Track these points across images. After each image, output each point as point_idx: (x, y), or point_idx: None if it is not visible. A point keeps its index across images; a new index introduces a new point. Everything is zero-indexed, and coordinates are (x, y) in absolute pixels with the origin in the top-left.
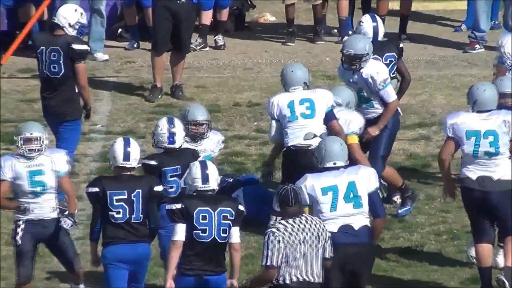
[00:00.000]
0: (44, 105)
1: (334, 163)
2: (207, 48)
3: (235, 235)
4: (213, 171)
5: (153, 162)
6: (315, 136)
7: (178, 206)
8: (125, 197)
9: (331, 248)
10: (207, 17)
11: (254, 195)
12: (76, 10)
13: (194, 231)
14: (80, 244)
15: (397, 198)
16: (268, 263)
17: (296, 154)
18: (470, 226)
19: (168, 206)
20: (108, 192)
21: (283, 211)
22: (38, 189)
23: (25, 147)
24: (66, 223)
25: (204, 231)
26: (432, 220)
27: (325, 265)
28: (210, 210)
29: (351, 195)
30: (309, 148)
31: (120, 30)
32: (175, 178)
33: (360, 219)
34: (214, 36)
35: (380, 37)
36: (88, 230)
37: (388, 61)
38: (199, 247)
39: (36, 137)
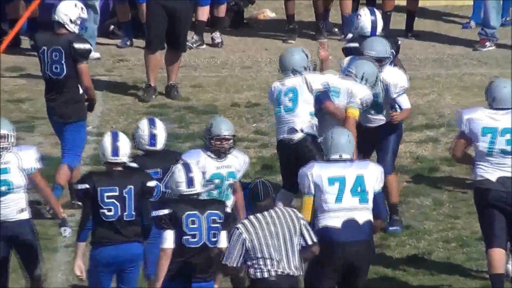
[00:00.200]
0: (48, 106)
1: (340, 156)
2: (204, 46)
3: (223, 239)
4: (197, 174)
5: (133, 165)
6: (296, 131)
7: (166, 211)
8: (117, 193)
9: (311, 233)
10: (203, 13)
11: None
12: (76, 5)
13: (184, 237)
14: (70, 252)
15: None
16: (224, 261)
17: (281, 147)
18: (482, 231)
19: (154, 213)
20: (98, 188)
21: (254, 205)
22: (3, 188)
23: None
24: (65, 231)
25: (194, 236)
26: (440, 226)
27: (313, 252)
28: (198, 214)
29: (359, 189)
30: (291, 143)
31: (112, 27)
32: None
33: (365, 214)
34: (211, 33)
35: (379, 31)
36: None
37: None
38: (189, 253)
39: (4, 134)
